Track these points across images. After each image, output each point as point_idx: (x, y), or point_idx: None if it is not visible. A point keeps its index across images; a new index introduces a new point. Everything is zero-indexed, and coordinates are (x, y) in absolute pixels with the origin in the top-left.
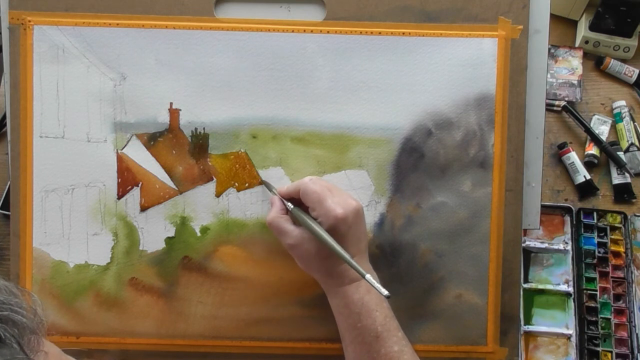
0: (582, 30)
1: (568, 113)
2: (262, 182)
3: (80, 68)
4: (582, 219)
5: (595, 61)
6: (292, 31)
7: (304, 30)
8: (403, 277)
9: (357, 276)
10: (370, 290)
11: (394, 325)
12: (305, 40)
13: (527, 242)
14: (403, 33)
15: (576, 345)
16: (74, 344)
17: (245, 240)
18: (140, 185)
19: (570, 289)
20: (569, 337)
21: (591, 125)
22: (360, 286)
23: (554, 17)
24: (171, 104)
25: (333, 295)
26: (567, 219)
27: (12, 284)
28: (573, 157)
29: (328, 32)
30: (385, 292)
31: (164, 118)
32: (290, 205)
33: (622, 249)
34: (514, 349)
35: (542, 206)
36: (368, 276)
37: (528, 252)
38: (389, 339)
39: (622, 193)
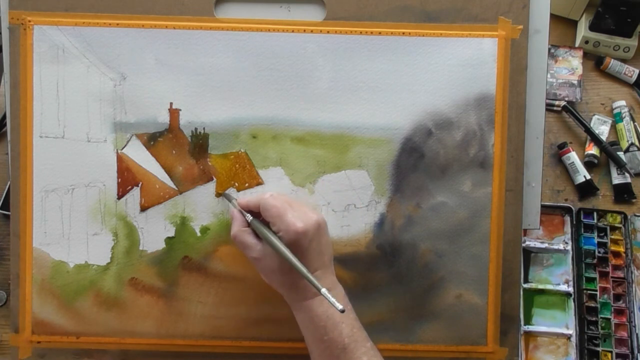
0: (582, 30)
1: (568, 113)
2: (224, 195)
3: (80, 68)
4: (582, 219)
5: (595, 61)
6: (292, 31)
7: (304, 30)
8: (403, 277)
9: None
10: None
11: (362, 336)
12: (305, 40)
13: (527, 242)
14: (403, 33)
15: (576, 345)
16: (74, 344)
17: None
18: (140, 185)
19: (570, 289)
20: (569, 337)
21: (591, 125)
22: (323, 299)
23: (554, 17)
24: (171, 104)
25: (298, 310)
26: (567, 219)
27: None
28: (573, 157)
29: (328, 32)
30: (340, 306)
31: (164, 118)
32: (249, 216)
33: (622, 249)
34: (514, 349)
35: (542, 206)
36: (324, 290)
37: (528, 252)
38: (357, 350)
39: (622, 193)
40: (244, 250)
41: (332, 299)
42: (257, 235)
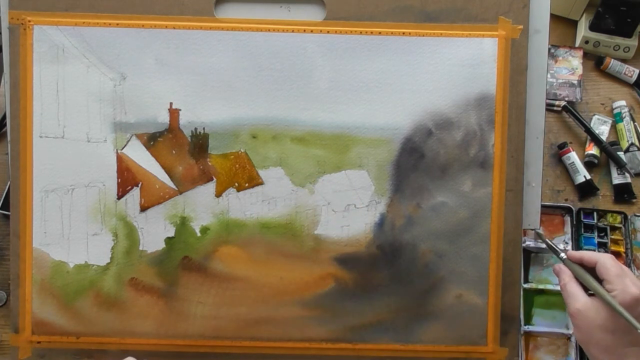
0: (582, 30)
1: (568, 113)
2: (538, 237)
3: (80, 68)
4: (582, 219)
5: (595, 61)
6: (292, 31)
7: (304, 30)
8: (403, 277)
9: None
10: None
11: None
12: (305, 40)
13: (527, 242)
14: (403, 33)
15: (576, 345)
16: (74, 344)
17: (245, 240)
18: (140, 185)
19: None
20: (569, 337)
21: (591, 125)
22: None
23: (554, 17)
24: (171, 104)
25: None
26: (567, 219)
27: None
28: (573, 157)
29: (328, 32)
30: None
31: (164, 118)
32: (586, 274)
33: (622, 249)
34: (514, 349)
35: (542, 206)
36: None
37: (528, 252)
38: None
39: (622, 193)
40: (567, 299)
41: None
42: (584, 288)
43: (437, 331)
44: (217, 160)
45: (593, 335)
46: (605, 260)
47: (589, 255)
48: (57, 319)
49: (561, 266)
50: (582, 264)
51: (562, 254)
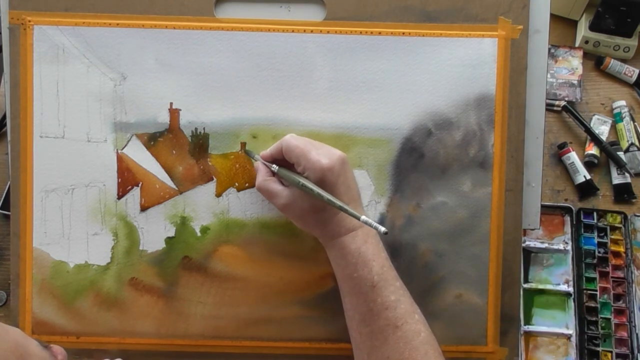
0: (582, 30)
1: (568, 113)
2: (245, 151)
3: (80, 68)
4: (582, 219)
5: (595, 61)
6: (292, 31)
7: (304, 30)
8: (403, 277)
9: (354, 225)
10: (367, 240)
11: (391, 275)
12: (305, 40)
13: (527, 242)
14: (403, 33)
15: (576, 345)
16: (74, 344)
17: (245, 240)
18: (140, 185)
19: (570, 289)
20: (569, 337)
21: (591, 125)
22: (356, 236)
23: (554, 17)
24: (171, 104)
25: (330, 247)
26: (567, 219)
27: None
28: (573, 157)
29: (328, 32)
30: (382, 229)
31: (164, 118)
32: (274, 166)
33: (622, 249)
34: (514, 349)
35: (542, 206)
36: (364, 217)
37: (528, 252)
38: (385, 289)
39: (622, 193)
40: (270, 199)
41: (374, 223)
42: (282, 183)
43: (437, 331)
44: (217, 160)
45: (308, 219)
46: (287, 144)
47: (276, 147)
48: (57, 319)
49: (258, 165)
50: (282, 159)
51: (256, 156)
